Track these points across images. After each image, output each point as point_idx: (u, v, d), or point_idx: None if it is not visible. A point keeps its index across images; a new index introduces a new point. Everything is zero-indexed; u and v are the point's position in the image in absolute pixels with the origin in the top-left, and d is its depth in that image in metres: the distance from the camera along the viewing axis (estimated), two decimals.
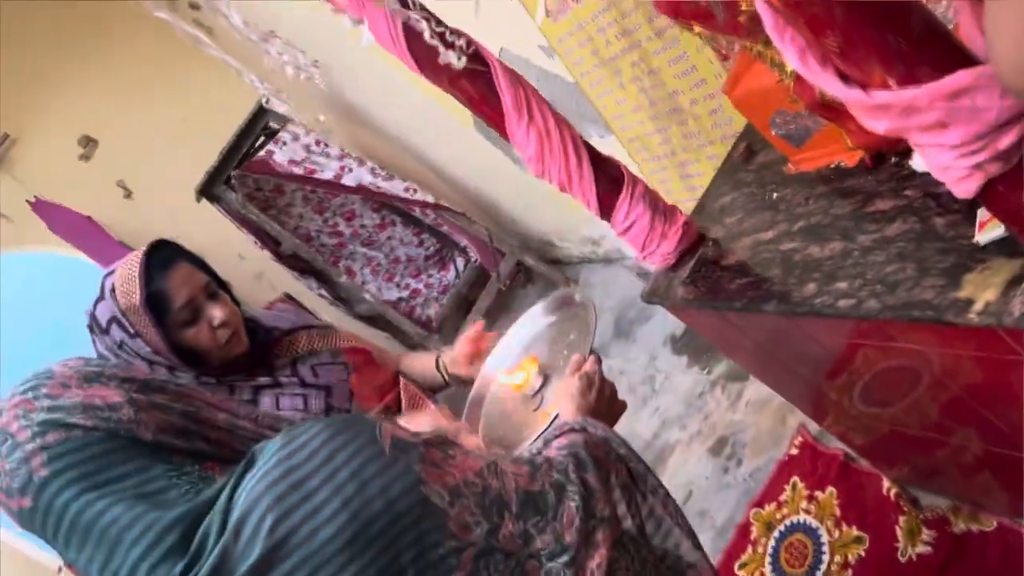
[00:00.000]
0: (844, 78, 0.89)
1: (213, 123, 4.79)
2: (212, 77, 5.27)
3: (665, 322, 3.47)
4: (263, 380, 1.33)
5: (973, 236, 1.13)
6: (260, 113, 4.35)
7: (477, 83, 1.57)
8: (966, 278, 1.10)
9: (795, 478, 2.39)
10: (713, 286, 1.61)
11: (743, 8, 1.32)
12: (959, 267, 1.12)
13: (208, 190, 4.34)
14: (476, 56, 1.56)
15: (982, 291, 1.06)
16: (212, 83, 5.25)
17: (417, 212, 4.60)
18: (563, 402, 1.20)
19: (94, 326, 1.30)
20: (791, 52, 0.92)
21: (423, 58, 1.52)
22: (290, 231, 4.57)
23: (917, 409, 1.56)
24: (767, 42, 1.37)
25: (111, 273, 1.31)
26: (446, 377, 1.59)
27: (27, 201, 4.61)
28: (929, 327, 1.16)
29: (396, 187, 4.31)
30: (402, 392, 1.49)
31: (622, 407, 1.27)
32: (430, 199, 4.35)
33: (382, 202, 4.78)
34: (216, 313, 1.35)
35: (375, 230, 4.96)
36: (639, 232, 1.70)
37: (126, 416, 0.85)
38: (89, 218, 4.07)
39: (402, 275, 4.99)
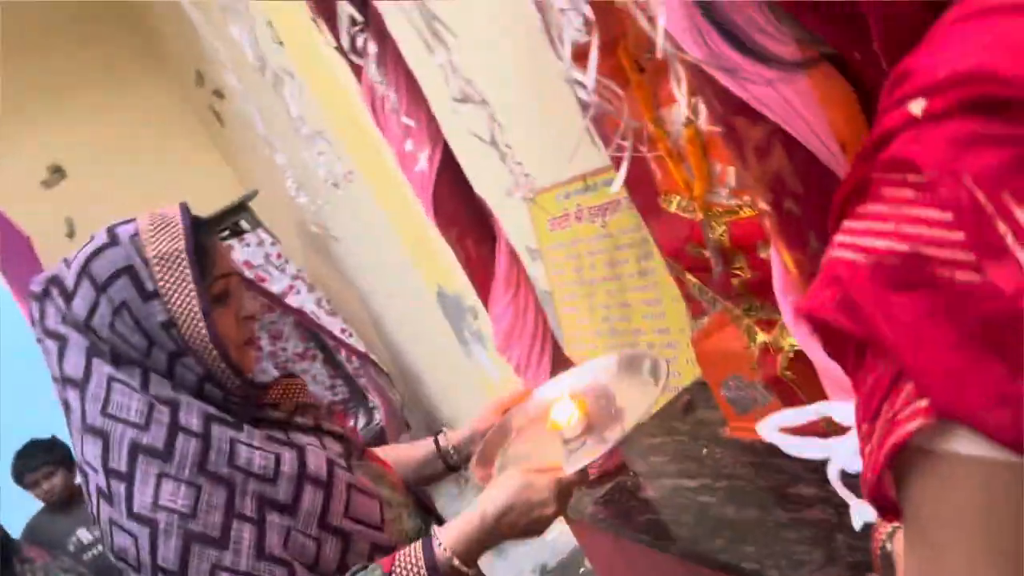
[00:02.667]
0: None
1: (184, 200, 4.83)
2: (202, 160, 5.39)
3: (542, 550, 3.43)
4: (276, 415, 1.15)
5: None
6: (237, 209, 4.41)
7: (481, 246, 1.67)
8: None
9: None
10: (624, 513, 1.64)
11: (739, 274, 1.45)
12: (864, 567, 1.18)
13: None
14: (489, 223, 1.67)
15: None
16: (200, 166, 5.35)
17: (343, 355, 4.59)
18: (495, 489, 1.12)
19: (80, 283, 1.07)
20: (787, 312, 1.02)
21: (445, 204, 1.62)
22: None
23: None
24: (748, 310, 1.50)
25: (124, 223, 1.11)
26: (453, 459, 1.41)
27: None
28: None
29: (334, 324, 4.33)
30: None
31: (539, 530, 1.14)
32: (361, 347, 4.36)
33: (313, 333, 4.76)
34: (248, 304, 1.17)
35: (294, 357, 4.90)
36: None
37: None
38: (28, 239, 3.97)
39: None
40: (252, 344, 1.18)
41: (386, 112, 1.62)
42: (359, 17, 1.11)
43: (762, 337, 1.49)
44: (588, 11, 1.05)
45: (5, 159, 4.84)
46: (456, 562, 1.07)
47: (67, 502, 3.25)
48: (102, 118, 5.14)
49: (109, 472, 1.03)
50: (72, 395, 1.07)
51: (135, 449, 1.03)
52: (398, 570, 1.07)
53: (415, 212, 3.17)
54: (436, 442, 1.44)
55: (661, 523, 1.55)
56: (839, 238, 0.46)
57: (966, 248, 0.40)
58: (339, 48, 1.68)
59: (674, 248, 1.56)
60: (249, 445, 1.08)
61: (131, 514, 1.01)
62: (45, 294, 1.10)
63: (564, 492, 1.13)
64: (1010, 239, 0.39)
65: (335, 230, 4.28)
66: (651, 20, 1.29)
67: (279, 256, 4.29)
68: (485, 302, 1.73)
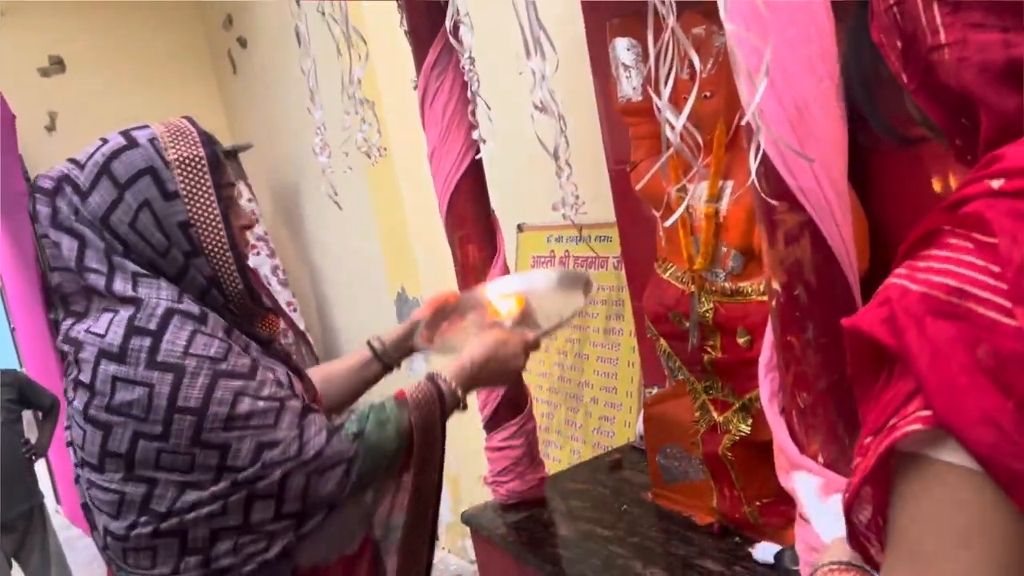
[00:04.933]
0: (791, 430, 1.07)
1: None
2: (202, 100, 5.37)
3: None
4: (261, 334, 1.22)
5: None
6: (227, 155, 4.39)
7: (481, 254, 1.74)
8: None
9: None
10: (533, 542, 1.70)
11: (711, 352, 1.53)
12: None
13: None
14: (494, 237, 1.74)
15: None
16: (197, 105, 5.31)
17: (280, 326, 4.56)
18: (473, 342, 1.35)
19: (99, 181, 1.11)
20: (765, 386, 1.10)
21: (460, 205, 1.69)
22: None
23: None
24: (708, 387, 1.59)
25: (138, 128, 1.15)
26: (390, 357, 1.54)
27: None
28: None
29: (283, 295, 4.32)
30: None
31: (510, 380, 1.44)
32: (301, 325, 4.36)
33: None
34: (244, 213, 1.23)
35: None
36: (504, 459, 1.80)
37: None
38: (14, 118, 3.91)
39: None
40: (245, 254, 1.24)
41: (434, 105, 1.70)
42: (463, 8, 1.18)
43: (714, 416, 1.57)
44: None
45: (14, 33, 4.77)
46: (459, 392, 1.29)
47: None
48: (120, 27, 5.10)
49: (134, 330, 1.06)
50: (96, 278, 1.11)
51: (170, 312, 1.08)
52: (412, 395, 1.25)
53: (403, 208, 3.23)
54: (372, 348, 1.54)
55: (568, 559, 1.61)
56: (900, 271, 0.55)
57: (1005, 296, 0.48)
58: (408, 34, 1.76)
59: (657, 312, 1.64)
60: (254, 348, 1.18)
61: (153, 364, 1.04)
62: (57, 191, 1.13)
63: (528, 349, 1.39)
64: None
65: (307, 197, 4.30)
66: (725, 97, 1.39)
67: (253, 213, 4.29)
68: None
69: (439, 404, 1.26)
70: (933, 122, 0.63)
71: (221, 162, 1.19)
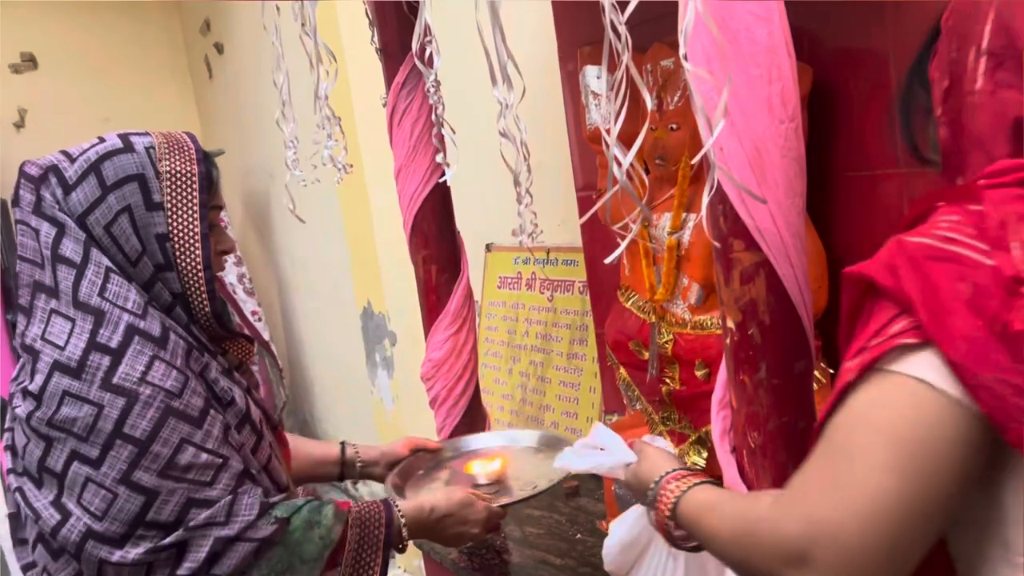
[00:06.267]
0: (741, 469, 1.06)
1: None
2: (175, 105, 5.32)
3: None
4: (222, 361, 1.19)
5: None
6: None
7: (442, 276, 1.72)
8: None
9: None
10: (484, 568, 1.68)
11: (669, 384, 1.53)
12: None
13: None
14: (458, 258, 1.73)
15: None
16: (171, 109, 5.28)
17: (254, 353, 4.52)
18: (439, 494, 1.32)
19: (86, 178, 1.10)
20: (717, 424, 1.09)
21: (424, 225, 1.68)
22: None
23: None
24: (665, 418, 1.58)
25: (138, 134, 1.16)
26: (353, 471, 1.51)
27: None
28: None
29: (248, 304, 4.28)
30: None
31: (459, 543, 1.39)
32: (265, 335, 4.31)
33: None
34: (227, 239, 1.24)
35: None
36: None
37: None
38: None
39: None
40: (216, 279, 1.23)
41: (402, 124, 1.68)
42: (432, 30, 1.17)
43: (670, 448, 1.57)
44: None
45: None
46: (404, 532, 1.24)
47: None
48: (95, 27, 5.05)
49: (94, 346, 1.04)
50: (64, 273, 1.08)
51: (132, 330, 1.06)
52: (357, 511, 1.19)
53: (371, 222, 3.21)
54: (343, 449, 1.52)
55: None
56: (896, 237, 0.68)
57: (986, 243, 0.62)
58: (379, 51, 1.75)
59: (617, 341, 1.64)
60: (214, 369, 1.15)
61: (107, 385, 1.02)
62: (42, 180, 1.12)
63: (491, 521, 1.34)
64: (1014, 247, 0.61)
65: (276, 207, 4.26)
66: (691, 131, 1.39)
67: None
68: (427, 328, 1.77)
69: (384, 530, 1.21)
70: (942, 148, 0.76)
71: (214, 183, 1.20)
